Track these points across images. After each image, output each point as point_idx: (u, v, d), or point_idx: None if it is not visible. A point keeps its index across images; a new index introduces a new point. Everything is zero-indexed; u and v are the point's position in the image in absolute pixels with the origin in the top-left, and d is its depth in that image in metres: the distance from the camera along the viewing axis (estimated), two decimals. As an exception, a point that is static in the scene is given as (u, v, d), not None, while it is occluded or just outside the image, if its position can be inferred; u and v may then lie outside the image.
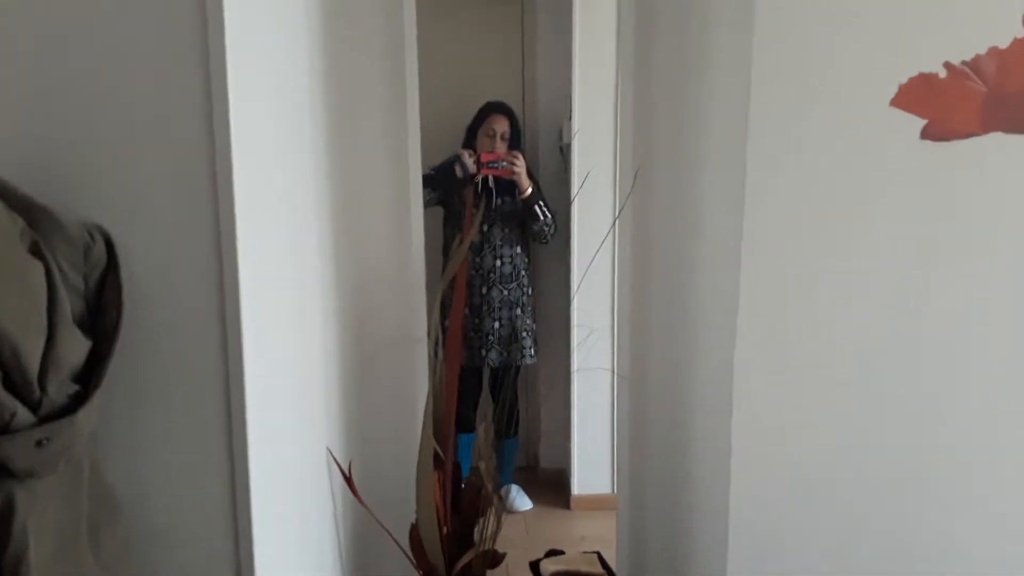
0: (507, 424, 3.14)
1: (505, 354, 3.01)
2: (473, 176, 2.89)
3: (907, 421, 1.24)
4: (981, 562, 1.27)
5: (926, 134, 1.17)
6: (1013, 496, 1.25)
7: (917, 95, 1.17)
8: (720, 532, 1.31)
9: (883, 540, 1.28)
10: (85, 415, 0.93)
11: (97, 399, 0.97)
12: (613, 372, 1.79)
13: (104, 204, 1.06)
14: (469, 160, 2.88)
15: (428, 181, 2.81)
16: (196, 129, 1.05)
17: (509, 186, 2.94)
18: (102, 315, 1.02)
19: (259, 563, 1.14)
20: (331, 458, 1.53)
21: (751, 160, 1.18)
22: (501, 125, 2.97)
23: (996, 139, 1.16)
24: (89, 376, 0.98)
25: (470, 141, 3.02)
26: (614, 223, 1.70)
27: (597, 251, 2.34)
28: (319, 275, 1.47)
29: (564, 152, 3.19)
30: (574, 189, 3.01)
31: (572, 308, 3.07)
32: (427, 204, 2.86)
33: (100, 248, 1.03)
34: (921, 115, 1.17)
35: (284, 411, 1.28)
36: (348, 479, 1.56)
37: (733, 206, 1.22)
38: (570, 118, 2.98)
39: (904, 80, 1.16)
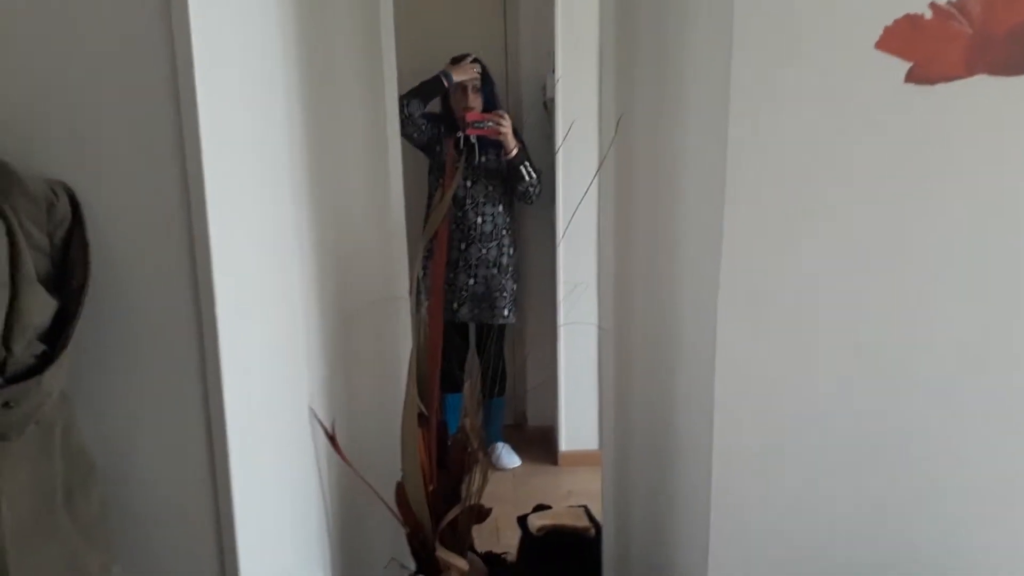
0: (493, 383, 3.14)
1: (476, 311, 3.00)
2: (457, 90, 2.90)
3: (888, 373, 1.23)
4: (957, 517, 1.28)
5: (911, 77, 1.15)
6: (990, 450, 1.25)
7: (902, 37, 1.14)
8: (702, 484, 1.31)
9: (861, 493, 1.28)
10: (52, 376, 0.91)
11: (65, 359, 0.94)
12: (599, 326, 1.78)
13: (67, 160, 1.03)
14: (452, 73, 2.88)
15: (415, 93, 2.82)
16: (159, 79, 1.01)
17: (494, 142, 2.90)
18: (68, 274, 0.99)
19: (239, 522, 1.14)
20: (314, 417, 1.52)
21: (734, 106, 1.15)
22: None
23: (981, 81, 1.14)
24: (56, 337, 0.95)
25: (443, 99, 2.97)
26: (596, 172, 1.68)
27: (580, 201, 2.31)
28: (296, 230, 1.44)
29: (548, 107, 3.14)
30: (558, 144, 2.97)
31: (557, 262, 3.04)
32: (412, 129, 2.84)
33: (64, 205, 1.00)
34: (906, 57, 1.14)
35: (262, 369, 1.26)
36: (331, 438, 1.55)
37: (715, 155, 1.20)
38: (553, 72, 2.93)
39: (889, 22, 1.13)
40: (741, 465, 1.28)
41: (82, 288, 0.99)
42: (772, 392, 1.25)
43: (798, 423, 1.26)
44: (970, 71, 1.15)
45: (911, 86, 1.15)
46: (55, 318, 0.96)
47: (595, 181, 1.70)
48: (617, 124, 1.56)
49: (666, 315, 1.55)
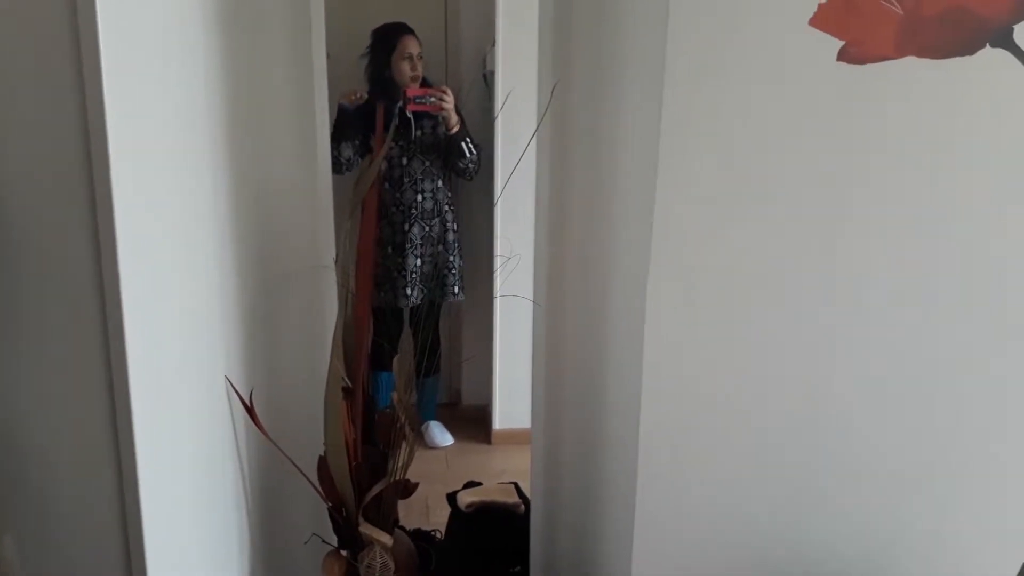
0: (426, 359, 3.10)
1: (426, 291, 2.96)
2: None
3: (820, 352, 1.24)
4: (887, 485, 1.30)
5: (843, 56, 1.15)
6: (918, 420, 1.27)
7: (836, 15, 1.14)
8: (629, 459, 1.31)
9: (790, 471, 1.29)
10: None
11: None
12: (533, 301, 1.76)
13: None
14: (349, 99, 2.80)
15: (336, 137, 2.71)
16: (59, 26, 0.94)
17: (429, 115, 2.84)
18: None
19: (144, 493, 1.08)
20: (230, 387, 1.46)
21: (669, 78, 1.13)
22: (415, 46, 2.85)
23: (909, 63, 1.15)
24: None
25: (382, 71, 2.88)
26: (530, 140, 1.65)
27: (513, 170, 2.28)
28: (213, 191, 1.37)
29: (488, 80, 3.09)
30: (496, 115, 2.93)
31: (495, 234, 3.01)
32: (350, 159, 2.76)
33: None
34: (839, 36, 1.14)
35: (170, 333, 1.20)
36: (249, 409, 1.50)
37: (650, 128, 1.18)
38: (494, 45, 2.88)
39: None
40: (668, 442, 1.28)
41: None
42: (700, 369, 1.25)
43: (726, 400, 1.26)
44: (899, 52, 1.15)
45: (843, 65, 1.15)
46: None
47: (533, 152, 1.67)
48: (552, 91, 1.53)
49: (599, 289, 1.54)
